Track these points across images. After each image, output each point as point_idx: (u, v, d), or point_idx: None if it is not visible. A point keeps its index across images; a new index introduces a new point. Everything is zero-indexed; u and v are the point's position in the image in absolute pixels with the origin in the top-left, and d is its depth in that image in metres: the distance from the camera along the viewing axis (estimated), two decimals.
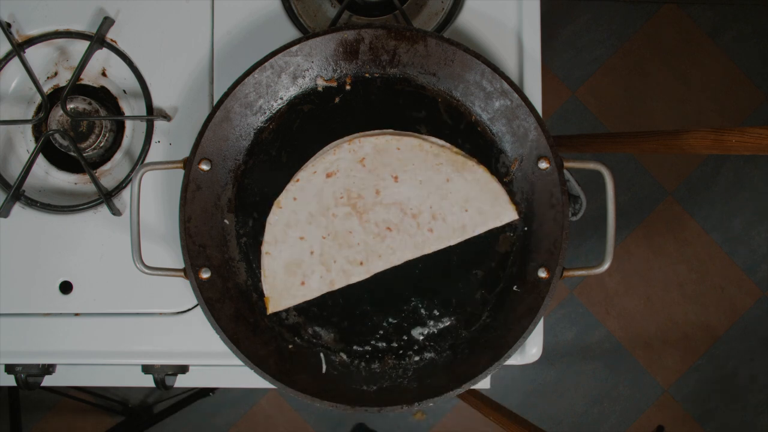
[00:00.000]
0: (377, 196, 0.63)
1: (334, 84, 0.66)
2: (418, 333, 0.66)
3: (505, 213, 0.64)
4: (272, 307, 0.64)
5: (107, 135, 0.72)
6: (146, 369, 0.73)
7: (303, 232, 0.63)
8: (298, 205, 0.63)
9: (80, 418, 1.69)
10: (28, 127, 0.74)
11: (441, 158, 0.63)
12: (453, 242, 0.64)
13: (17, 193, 0.70)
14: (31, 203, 0.71)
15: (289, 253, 0.63)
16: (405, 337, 0.66)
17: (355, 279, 0.64)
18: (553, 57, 1.65)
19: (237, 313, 0.64)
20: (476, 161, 0.63)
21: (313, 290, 0.64)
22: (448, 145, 0.63)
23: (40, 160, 0.73)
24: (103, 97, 0.74)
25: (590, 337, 1.68)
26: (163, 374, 0.73)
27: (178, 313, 0.71)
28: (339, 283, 0.64)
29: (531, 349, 0.70)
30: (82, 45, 0.71)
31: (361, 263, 0.64)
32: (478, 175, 0.63)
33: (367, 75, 0.66)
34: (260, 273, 0.65)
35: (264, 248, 0.63)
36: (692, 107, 1.65)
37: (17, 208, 0.71)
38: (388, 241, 0.63)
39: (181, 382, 0.78)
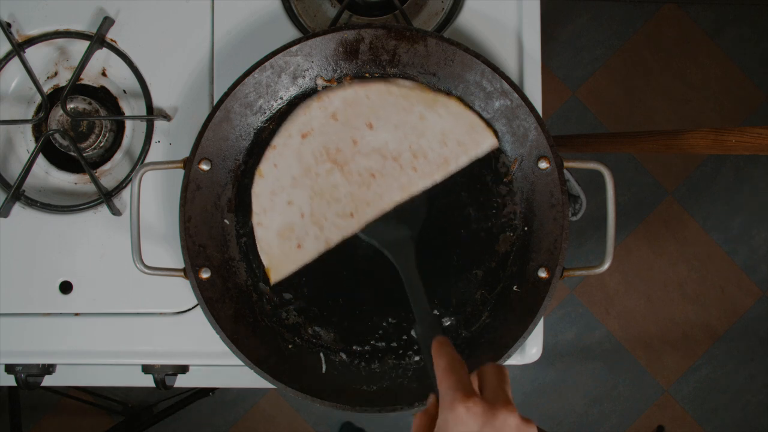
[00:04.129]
0: (355, 146, 0.63)
1: (334, 84, 0.66)
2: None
3: (485, 140, 0.64)
4: (274, 277, 0.64)
5: (107, 135, 0.72)
6: (146, 369, 0.73)
7: (290, 197, 0.63)
8: (280, 171, 0.63)
9: (80, 418, 1.69)
10: (28, 127, 0.74)
11: (411, 98, 0.63)
12: (438, 178, 0.64)
13: (17, 193, 0.70)
14: (31, 203, 0.71)
15: (280, 220, 0.63)
16: (405, 337, 0.66)
17: (350, 232, 0.64)
18: (553, 57, 1.65)
19: (237, 313, 0.64)
20: (446, 94, 0.64)
21: (311, 252, 0.64)
22: (416, 84, 0.64)
23: (40, 160, 0.73)
24: (103, 97, 0.74)
25: (590, 337, 1.68)
26: (163, 374, 0.73)
27: (178, 313, 0.71)
28: (334, 240, 0.64)
29: (531, 349, 0.70)
30: (82, 45, 0.71)
31: (352, 215, 0.63)
32: (451, 108, 0.63)
33: (367, 75, 0.66)
34: (260, 273, 0.65)
35: (254, 219, 0.63)
36: (692, 107, 1.65)
37: (17, 208, 0.71)
38: (374, 187, 0.63)
39: (181, 382, 0.78)
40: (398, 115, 0.63)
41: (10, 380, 0.74)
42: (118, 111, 0.73)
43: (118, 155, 0.73)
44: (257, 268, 0.66)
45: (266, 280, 0.65)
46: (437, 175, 0.64)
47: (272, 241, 0.63)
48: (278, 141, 0.63)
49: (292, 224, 0.63)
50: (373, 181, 0.63)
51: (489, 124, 0.64)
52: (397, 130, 0.63)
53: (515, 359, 0.70)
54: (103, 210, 0.71)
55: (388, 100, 0.63)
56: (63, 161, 0.74)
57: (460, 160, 0.64)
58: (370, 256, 0.66)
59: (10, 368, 0.73)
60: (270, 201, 0.63)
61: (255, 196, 0.63)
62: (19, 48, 0.70)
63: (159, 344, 0.70)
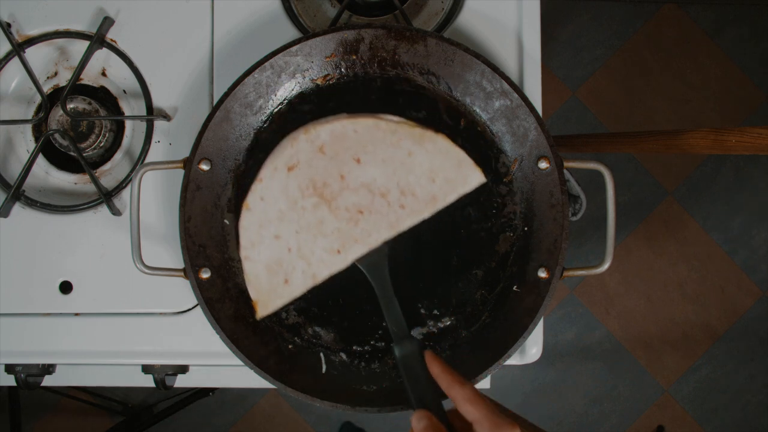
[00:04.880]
0: (343, 181, 0.62)
1: (334, 83, 0.66)
2: (417, 333, 0.66)
3: (472, 177, 0.63)
4: (261, 311, 0.63)
5: (107, 135, 0.72)
6: (146, 369, 0.73)
7: (277, 230, 0.62)
8: (267, 204, 0.62)
9: (80, 418, 1.69)
10: (28, 127, 0.74)
11: (399, 134, 0.62)
12: (426, 215, 0.63)
13: (17, 193, 0.70)
14: (31, 203, 0.71)
15: (267, 254, 0.63)
16: None
17: (336, 268, 0.63)
18: (553, 57, 1.65)
19: (237, 313, 0.64)
20: (433, 131, 0.63)
21: (298, 287, 0.63)
22: (404, 120, 0.63)
23: (40, 160, 0.73)
24: (103, 97, 0.74)
25: (590, 337, 1.68)
26: (163, 374, 0.73)
27: (178, 313, 0.71)
28: (321, 275, 0.63)
29: (531, 349, 0.70)
30: (82, 45, 0.71)
31: (338, 251, 0.63)
32: (439, 144, 0.62)
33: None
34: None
35: (242, 253, 0.62)
36: (692, 107, 1.65)
37: (17, 208, 0.71)
38: (362, 224, 0.63)
39: (181, 382, 0.78)
40: (386, 150, 0.62)
41: (10, 380, 0.74)
42: (118, 111, 0.73)
43: (118, 155, 0.73)
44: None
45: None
46: (426, 213, 0.63)
47: (260, 275, 0.63)
48: (264, 174, 0.62)
49: (280, 259, 0.62)
50: (361, 218, 0.62)
51: (476, 161, 0.64)
52: (386, 165, 0.62)
53: (515, 359, 0.70)
54: (103, 210, 0.71)
55: (376, 135, 0.62)
56: (63, 161, 0.74)
57: (449, 197, 0.63)
58: None
59: (10, 368, 0.73)
60: (258, 234, 0.62)
61: (243, 229, 0.62)
62: (19, 48, 0.70)
63: (159, 344, 0.70)
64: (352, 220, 0.62)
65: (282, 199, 0.62)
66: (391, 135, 0.62)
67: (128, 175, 0.71)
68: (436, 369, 0.53)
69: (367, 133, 0.62)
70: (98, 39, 0.70)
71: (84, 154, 0.70)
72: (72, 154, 0.72)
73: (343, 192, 0.62)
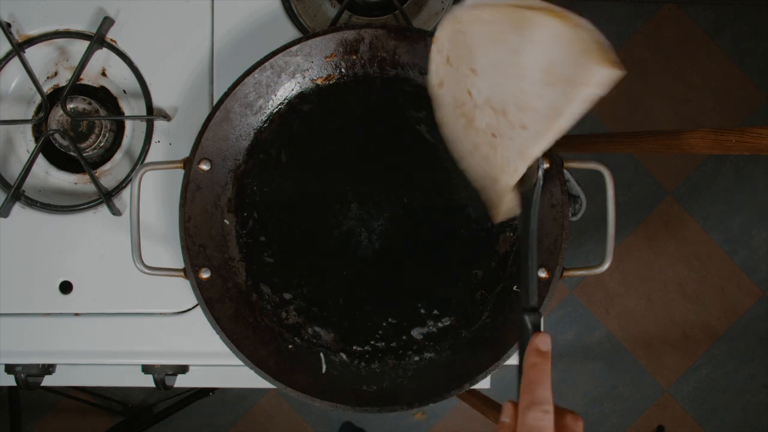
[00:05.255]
0: (471, 97, 0.49)
1: (334, 83, 0.66)
2: (417, 333, 0.66)
3: (602, 69, 0.41)
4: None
5: (107, 135, 0.72)
6: (146, 369, 0.73)
7: (459, 150, 0.58)
8: (444, 125, 0.57)
9: (80, 418, 1.69)
10: (28, 127, 0.74)
11: (500, 25, 0.45)
12: (552, 135, 0.45)
13: (17, 193, 0.70)
14: (31, 203, 0.71)
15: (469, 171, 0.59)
16: (405, 337, 0.66)
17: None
18: None
19: (237, 313, 0.64)
20: (537, 8, 0.43)
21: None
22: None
23: (40, 160, 0.72)
24: (103, 97, 0.74)
25: (590, 337, 1.68)
26: (163, 374, 0.73)
27: (178, 313, 0.71)
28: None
29: None
30: (82, 45, 0.71)
31: (494, 179, 0.54)
32: (548, 27, 0.43)
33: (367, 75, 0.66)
34: (260, 272, 0.65)
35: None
36: (692, 107, 1.65)
37: (17, 208, 0.71)
38: (499, 150, 0.50)
39: (181, 382, 0.78)
40: (492, 51, 0.46)
41: (10, 380, 0.74)
42: (118, 111, 0.73)
43: (118, 155, 0.73)
44: (257, 269, 0.66)
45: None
46: (551, 133, 0.45)
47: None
48: (430, 92, 0.55)
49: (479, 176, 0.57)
50: (496, 143, 0.49)
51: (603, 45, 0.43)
52: (495, 73, 0.47)
53: (515, 359, 0.70)
54: (103, 210, 0.71)
55: (480, 33, 0.46)
56: (63, 161, 0.74)
57: (574, 105, 0.43)
58: (369, 255, 0.66)
59: (10, 368, 0.73)
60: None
61: (449, 144, 0.57)
62: (19, 48, 0.70)
63: (159, 344, 0.70)
64: (492, 146, 0.50)
65: (449, 118, 0.55)
66: (493, 28, 0.45)
67: (128, 175, 0.71)
68: (532, 358, 0.44)
69: (474, 31, 0.47)
70: (98, 39, 0.70)
71: (84, 154, 0.70)
72: (72, 154, 0.72)
73: (475, 111, 0.50)
